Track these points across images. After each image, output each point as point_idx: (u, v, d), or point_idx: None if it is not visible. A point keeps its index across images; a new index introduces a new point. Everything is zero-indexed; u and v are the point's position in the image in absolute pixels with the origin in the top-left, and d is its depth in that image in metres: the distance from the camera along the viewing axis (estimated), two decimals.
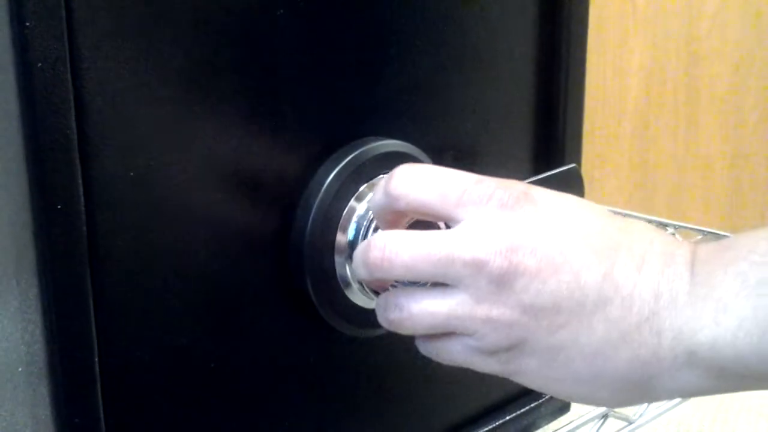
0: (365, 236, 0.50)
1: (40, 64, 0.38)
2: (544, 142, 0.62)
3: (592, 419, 0.71)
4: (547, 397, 0.66)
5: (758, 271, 0.39)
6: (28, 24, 0.38)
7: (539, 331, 0.41)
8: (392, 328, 0.45)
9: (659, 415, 0.74)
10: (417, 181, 0.43)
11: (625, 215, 0.52)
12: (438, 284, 0.43)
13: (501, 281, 0.41)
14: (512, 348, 0.43)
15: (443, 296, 0.43)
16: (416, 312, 0.43)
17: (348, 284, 0.50)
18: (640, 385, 0.42)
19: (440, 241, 0.42)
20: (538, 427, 0.66)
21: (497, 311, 0.42)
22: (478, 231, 0.42)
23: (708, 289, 0.40)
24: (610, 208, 0.48)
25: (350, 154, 0.50)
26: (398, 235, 0.43)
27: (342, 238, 0.50)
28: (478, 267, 0.41)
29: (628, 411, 0.73)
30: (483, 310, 0.42)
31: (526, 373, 0.44)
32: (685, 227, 0.75)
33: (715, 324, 0.39)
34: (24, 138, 0.39)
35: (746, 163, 1.20)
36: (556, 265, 0.41)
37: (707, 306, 0.40)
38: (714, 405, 0.81)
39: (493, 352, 0.43)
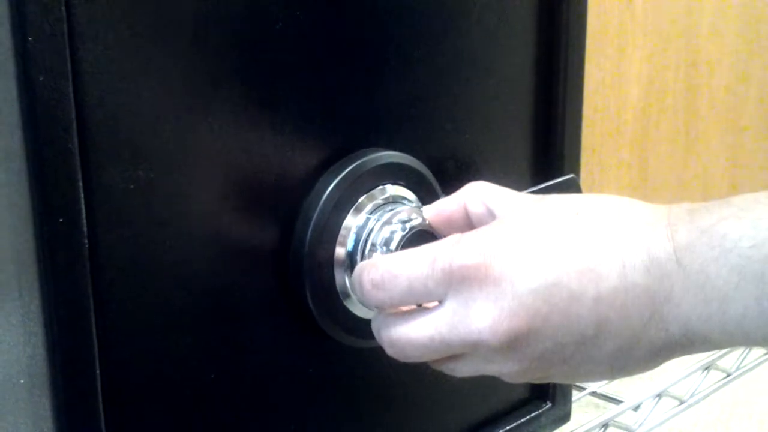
0: (364, 248, 0.50)
1: (42, 78, 0.39)
2: (543, 151, 0.62)
3: (593, 428, 0.71)
4: (547, 406, 0.66)
5: (750, 264, 0.39)
6: (30, 38, 0.38)
7: (553, 364, 0.44)
8: None
9: (660, 424, 0.75)
10: (381, 288, 0.45)
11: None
12: None
13: (499, 351, 0.43)
14: (534, 378, 0.46)
15: (458, 361, 0.45)
16: (448, 370, 0.47)
17: (347, 295, 0.51)
18: (663, 361, 0.44)
19: (432, 330, 0.44)
20: None
21: (507, 368, 0.44)
22: (459, 314, 0.43)
23: (704, 279, 0.40)
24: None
25: (349, 166, 0.50)
26: (397, 333, 0.45)
27: (341, 250, 0.50)
28: (474, 346, 0.43)
29: (629, 420, 0.73)
30: (495, 368, 0.45)
31: (552, 380, 0.46)
32: None
33: (722, 313, 0.40)
34: (26, 151, 0.39)
35: (745, 170, 1.20)
36: (543, 314, 0.42)
37: (710, 296, 0.40)
38: (715, 414, 0.81)
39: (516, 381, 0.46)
